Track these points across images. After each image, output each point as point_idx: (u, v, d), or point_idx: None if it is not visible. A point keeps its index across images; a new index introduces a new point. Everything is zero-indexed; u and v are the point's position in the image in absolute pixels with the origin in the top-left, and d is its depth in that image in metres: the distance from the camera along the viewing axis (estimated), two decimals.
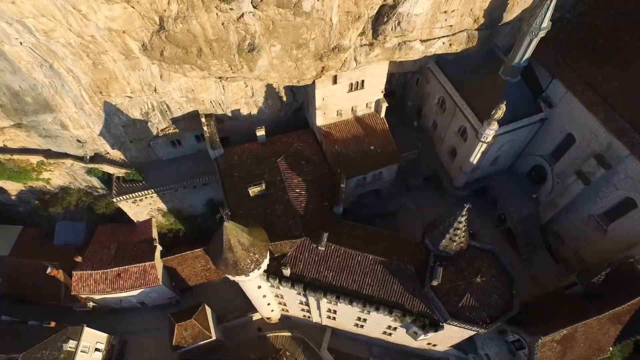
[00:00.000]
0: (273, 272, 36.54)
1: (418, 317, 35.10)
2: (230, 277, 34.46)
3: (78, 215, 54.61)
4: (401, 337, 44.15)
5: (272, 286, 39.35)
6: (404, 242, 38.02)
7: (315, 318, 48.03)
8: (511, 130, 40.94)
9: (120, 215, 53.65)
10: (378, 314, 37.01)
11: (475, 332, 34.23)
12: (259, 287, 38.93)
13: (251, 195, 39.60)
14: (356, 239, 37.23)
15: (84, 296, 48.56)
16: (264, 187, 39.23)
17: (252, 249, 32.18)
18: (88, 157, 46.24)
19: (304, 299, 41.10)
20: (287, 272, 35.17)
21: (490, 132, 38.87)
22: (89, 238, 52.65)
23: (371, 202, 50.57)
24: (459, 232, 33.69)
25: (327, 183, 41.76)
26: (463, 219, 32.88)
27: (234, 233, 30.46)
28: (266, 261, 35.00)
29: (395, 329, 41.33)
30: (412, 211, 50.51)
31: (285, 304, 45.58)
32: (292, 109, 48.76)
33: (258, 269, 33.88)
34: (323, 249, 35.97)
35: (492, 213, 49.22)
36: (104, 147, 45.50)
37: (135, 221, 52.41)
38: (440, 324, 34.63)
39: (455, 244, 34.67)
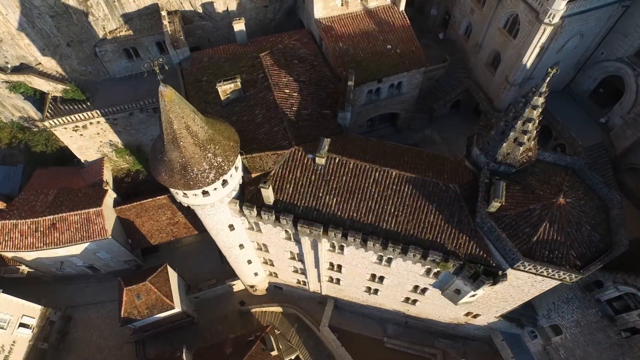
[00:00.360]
0: (250, 200, 24.98)
1: (466, 262, 23.37)
2: (182, 199, 22.87)
3: (13, 158, 43.21)
4: (428, 306, 32.49)
5: (251, 227, 27.79)
6: (441, 159, 26.30)
7: (313, 284, 36.32)
8: (586, 11, 29.28)
9: (67, 157, 42.35)
10: (404, 263, 25.33)
11: (557, 283, 22.48)
12: (232, 227, 27.28)
13: (222, 97, 28.09)
14: (371, 154, 25.59)
15: (9, 255, 37.03)
16: (239, 85, 27.70)
17: (211, 146, 20.56)
18: (10, 67, 34.82)
19: (295, 249, 29.46)
20: (268, 192, 23.50)
21: (560, 3, 27.13)
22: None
23: (386, 133, 38.91)
24: (529, 127, 22.00)
25: (328, 88, 30.19)
26: (539, 101, 21.24)
27: (177, 111, 18.87)
28: (236, 176, 23.38)
29: (423, 291, 29.61)
30: (438, 145, 38.79)
31: (272, 263, 33.89)
32: (282, 7, 37.27)
33: (223, 185, 22.25)
34: (323, 162, 24.36)
35: (544, 145, 37.44)
36: (31, 51, 34.06)
37: (82, 161, 40.96)
38: (502, 271, 22.94)
39: (522, 150, 22.96)
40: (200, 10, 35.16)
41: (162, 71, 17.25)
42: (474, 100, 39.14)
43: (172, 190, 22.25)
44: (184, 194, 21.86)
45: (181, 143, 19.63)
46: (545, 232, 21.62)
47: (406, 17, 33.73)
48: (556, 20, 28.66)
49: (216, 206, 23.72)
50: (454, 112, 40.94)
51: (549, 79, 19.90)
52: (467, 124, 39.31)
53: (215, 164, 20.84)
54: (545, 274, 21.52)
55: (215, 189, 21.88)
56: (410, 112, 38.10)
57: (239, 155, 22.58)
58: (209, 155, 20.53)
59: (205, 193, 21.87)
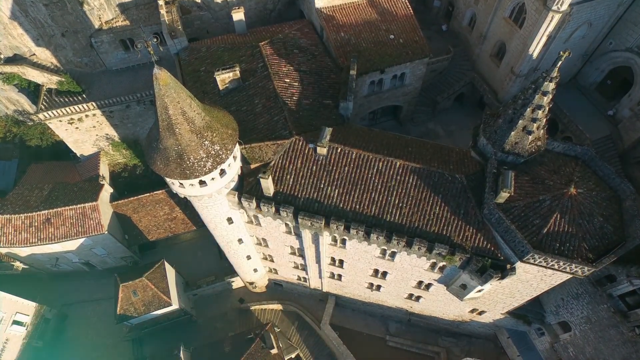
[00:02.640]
0: (249, 192, 24.15)
1: (474, 255, 22.54)
2: (178, 190, 22.02)
3: (8, 153, 42.38)
4: (432, 302, 31.65)
5: (250, 220, 26.95)
6: (446, 150, 25.48)
7: (314, 281, 35.52)
8: None
9: (63, 152, 41.53)
10: (409, 257, 24.48)
11: (568, 277, 21.65)
12: (230, 220, 26.43)
13: (221, 87, 27.30)
14: (374, 144, 24.75)
15: (3, 251, 36.18)
16: (238, 74, 26.89)
17: (208, 134, 19.72)
18: (3, 58, 33.97)
19: (296, 244, 28.61)
20: (267, 183, 22.67)
21: None
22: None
23: (388, 127, 38.09)
24: (539, 114, 21.19)
25: (330, 78, 29.36)
26: (550, 87, 20.42)
27: (173, 95, 18.03)
28: (235, 166, 22.55)
29: (428, 286, 28.78)
30: (441, 138, 37.99)
31: (271, 258, 33.07)
32: None
33: (221, 174, 21.42)
34: (324, 152, 23.52)
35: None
36: (24, 41, 33.23)
37: (78, 155, 40.15)
38: (510, 264, 22.10)
39: (530, 139, 22.15)
40: (198, 0, 34.36)
41: (160, 63, 16.47)
42: (478, 93, 38.36)
43: (167, 180, 21.43)
44: (180, 184, 21.03)
45: (177, 130, 18.79)
46: (556, 223, 20.79)
47: (409, 6, 32.92)
48: (564, 7, 27.86)
49: (214, 197, 22.88)
50: (457, 105, 40.15)
51: (560, 62, 19.08)
52: (471, 117, 38.48)
53: (213, 152, 20.01)
54: (555, 267, 20.70)
55: (212, 178, 21.04)
56: (413, 104, 37.31)
57: (237, 144, 21.76)
58: (206, 143, 19.69)
59: (202, 183, 21.04)
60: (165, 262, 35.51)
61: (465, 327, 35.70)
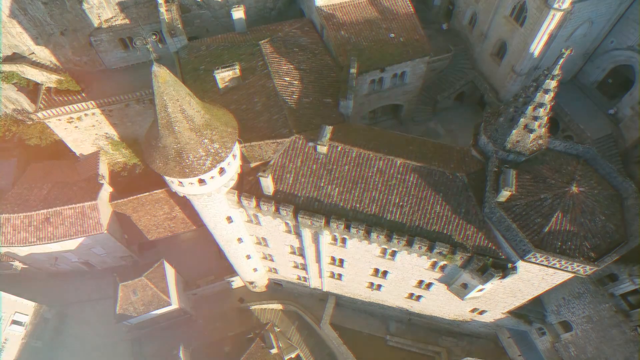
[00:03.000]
0: (248, 190, 24.00)
1: (475, 254, 22.39)
2: (177, 189, 21.88)
3: (7, 153, 42.20)
4: (432, 302, 31.52)
5: (249, 219, 26.81)
6: (447, 148, 25.35)
7: (314, 280, 35.39)
8: None
9: (62, 151, 41.34)
10: (409, 256, 24.36)
11: (570, 276, 21.52)
12: (230, 219, 26.28)
13: (220, 85, 27.18)
14: (375, 142, 24.60)
15: (2, 250, 36.07)
16: (237, 72, 26.76)
17: (207, 132, 19.59)
18: (1, 56, 33.79)
19: (296, 243, 28.48)
20: (267, 182, 22.52)
21: None
22: None
23: (388, 126, 37.98)
24: (541, 112, 21.06)
25: (330, 76, 29.22)
26: (552, 85, 20.27)
27: (172, 93, 17.91)
28: (234, 164, 22.42)
29: (428, 286, 28.63)
30: (441, 137, 37.86)
31: (271, 258, 32.93)
32: None
33: (220, 173, 21.28)
34: (325, 151, 23.39)
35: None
36: (23, 39, 33.08)
37: (78, 155, 40.00)
38: (511, 264, 21.95)
39: (532, 137, 22.04)
40: None
41: (159, 62, 16.35)
42: (479, 92, 38.23)
43: (166, 179, 21.32)
44: (180, 182, 20.91)
45: (176, 128, 18.68)
46: (558, 222, 20.65)
47: (410, 4, 32.78)
48: (565, 5, 27.72)
49: (213, 196, 22.77)
50: (458, 104, 40.01)
51: (562, 60, 18.94)
52: (472, 116, 38.38)
53: (212, 150, 19.88)
54: (557, 266, 20.54)
55: (212, 177, 20.92)
56: (413, 103, 37.19)
57: (237, 143, 21.64)
58: (206, 141, 19.57)
59: (201, 182, 20.92)
60: (165, 262, 35.41)
61: (466, 327, 35.56)
